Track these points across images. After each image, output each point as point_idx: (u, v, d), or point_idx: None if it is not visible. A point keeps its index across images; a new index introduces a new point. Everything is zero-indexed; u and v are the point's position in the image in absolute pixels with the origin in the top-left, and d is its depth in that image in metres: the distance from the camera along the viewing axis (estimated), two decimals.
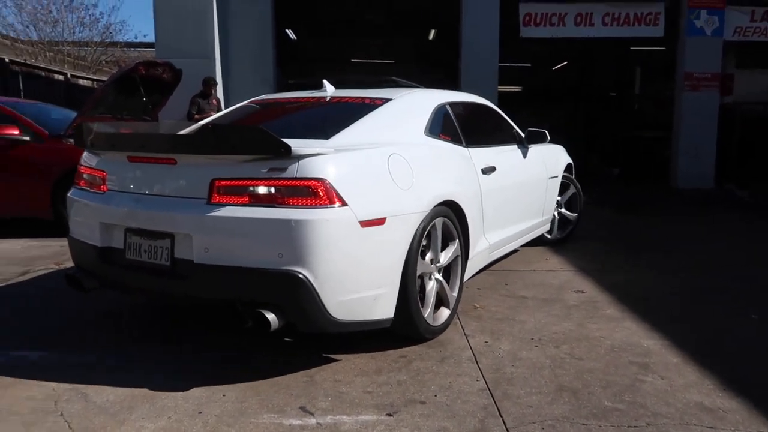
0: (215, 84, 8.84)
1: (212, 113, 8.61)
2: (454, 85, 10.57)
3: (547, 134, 4.75)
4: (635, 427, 2.24)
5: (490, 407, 2.39)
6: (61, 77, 13.50)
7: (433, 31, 14.92)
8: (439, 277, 3.17)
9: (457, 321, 3.43)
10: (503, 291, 4.05)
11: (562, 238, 5.54)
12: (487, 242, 3.75)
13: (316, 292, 2.46)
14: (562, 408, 2.38)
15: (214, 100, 8.80)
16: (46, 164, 5.86)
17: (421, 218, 2.87)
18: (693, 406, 2.41)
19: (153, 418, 2.29)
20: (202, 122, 2.91)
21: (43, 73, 12.89)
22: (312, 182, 2.44)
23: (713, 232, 6.50)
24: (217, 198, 2.54)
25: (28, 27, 20.95)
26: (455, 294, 3.30)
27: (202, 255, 2.54)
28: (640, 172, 12.02)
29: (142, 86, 6.96)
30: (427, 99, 3.68)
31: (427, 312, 3.02)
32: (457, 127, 3.73)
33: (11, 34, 20.53)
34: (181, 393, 2.49)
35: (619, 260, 5.02)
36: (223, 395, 2.47)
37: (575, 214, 5.62)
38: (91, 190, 3.04)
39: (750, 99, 11.13)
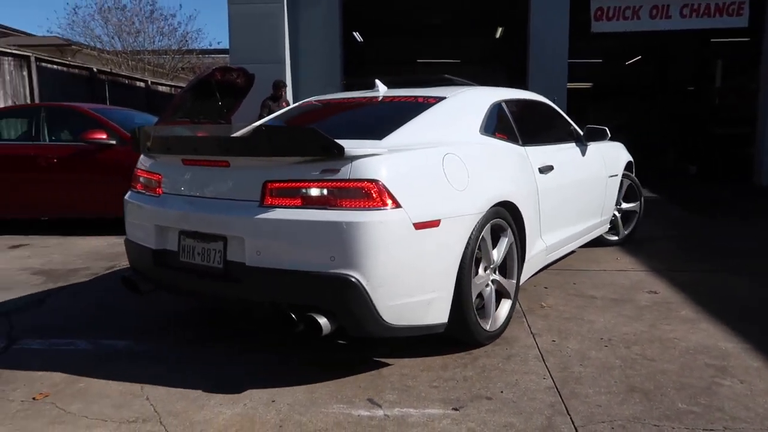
0: (285, 86, 9.11)
1: None
2: (521, 84, 10.43)
3: (608, 131, 4.55)
4: (711, 430, 2.16)
5: (557, 405, 2.37)
6: (142, 84, 14.29)
7: (500, 29, 14.73)
8: (497, 277, 3.11)
9: (524, 320, 3.40)
10: (571, 290, 3.98)
11: (619, 242, 5.33)
12: (544, 244, 3.65)
13: (369, 296, 2.41)
14: (632, 408, 2.33)
15: (284, 103, 9.07)
16: (131, 167, 6.22)
17: (477, 220, 2.80)
18: None
19: (229, 404, 2.42)
20: (256, 124, 2.89)
21: (126, 81, 13.69)
22: (365, 183, 2.41)
23: None
24: (269, 200, 2.52)
25: (113, 38, 22.33)
26: (511, 297, 3.21)
27: (254, 258, 2.53)
28: (720, 170, 11.42)
29: (217, 91, 7.28)
30: (482, 97, 3.59)
31: (489, 318, 2.99)
32: (513, 125, 3.64)
33: (98, 46, 21.93)
34: (254, 384, 2.61)
35: (695, 261, 4.82)
36: (294, 387, 2.57)
37: (633, 221, 5.41)
38: (147, 193, 3.08)
39: None
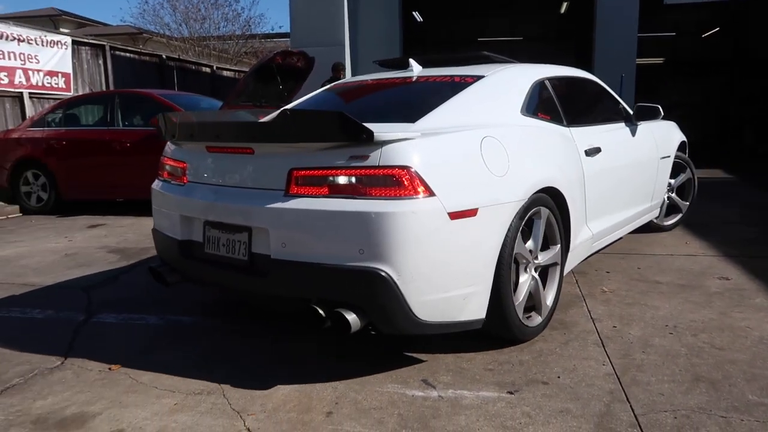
0: (344, 68, 9.16)
1: None
2: (587, 61, 10.07)
3: (660, 109, 4.22)
4: None
5: (616, 392, 2.31)
6: (207, 69, 14.71)
7: (565, 5, 14.22)
8: (535, 274, 2.86)
9: (584, 304, 3.33)
10: (635, 275, 3.85)
11: (669, 227, 5.09)
12: (590, 231, 3.44)
13: (400, 292, 2.25)
14: (698, 398, 2.25)
15: None
16: None
17: (518, 208, 2.59)
18: None
19: (288, 380, 2.50)
20: (282, 108, 2.67)
21: (193, 67, 14.13)
22: (396, 170, 2.23)
23: None
24: (295, 189, 2.38)
25: (180, 25, 23.06)
26: (554, 289, 2.99)
27: (279, 250, 2.39)
28: None
29: (278, 75, 7.40)
30: (523, 75, 3.35)
31: (531, 314, 2.83)
32: (557, 104, 3.42)
33: (167, 33, 22.70)
34: (312, 362, 2.69)
35: None
36: (350, 366, 2.63)
37: (686, 203, 5.13)
38: (173, 182, 2.97)
39: None
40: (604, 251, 4.35)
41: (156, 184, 3.13)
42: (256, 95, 7.45)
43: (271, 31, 25.67)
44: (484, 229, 2.46)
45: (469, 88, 3.03)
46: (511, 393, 2.33)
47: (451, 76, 3.23)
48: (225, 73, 15.44)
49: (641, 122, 4.25)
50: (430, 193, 2.27)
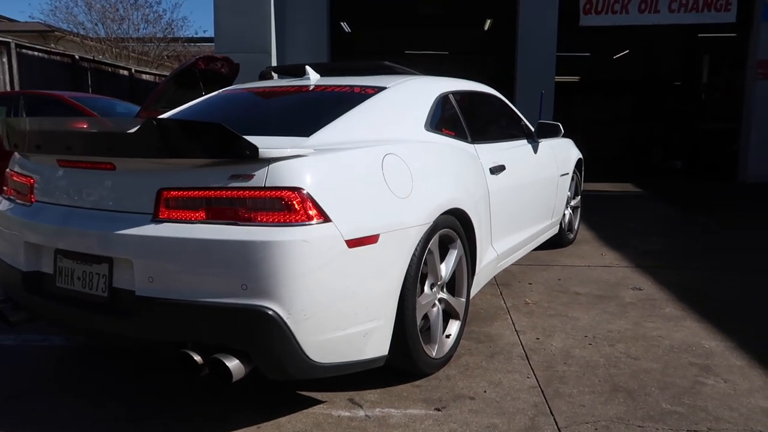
0: (272, 77, 8.99)
1: None
2: (510, 76, 10.41)
3: (561, 127, 4.22)
4: (695, 431, 2.15)
5: (541, 405, 2.34)
6: (125, 72, 14.07)
7: (489, 21, 14.67)
8: (445, 295, 2.73)
9: (508, 317, 3.38)
10: (556, 286, 3.96)
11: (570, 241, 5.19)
12: (495, 252, 3.33)
13: (291, 332, 1.96)
14: (616, 409, 2.31)
15: None
16: None
17: (423, 232, 2.39)
18: (758, 411, 2.29)
19: (204, 406, 2.36)
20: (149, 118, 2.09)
21: (110, 69, 13.47)
22: (285, 193, 1.95)
23: None
24: (165, 213, 2.03)
25: (96, 25, 21.97)
26: (461, 315, 2.84)
27: (145, 286, 2.02)
28: (705, 166, 11.50)
29: (201, 80, 7.16)
30: (427, 88, 3.16)
31: (436, 344, 2.61)
32: (461, 120, 3.26)
33: (81, 32, 21.56)
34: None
35: (679, 257, 4.82)
36: (272, 388, 2.52)
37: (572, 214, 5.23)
38: (18, 201, 2.50)
39: None
40: (526, 263, 4.45)
41: None
42: (177, 101, 7.17)
43: (194, 35, 24.98)
44: (387, 256, 2.23)
45: (369, 100, 2.78)
46: (438, 410, 2.31)
47: (351, 87, 2.97)
48: (144, 76, 14.84)
49: (542, 139, 4.22)
50: (325, 218, 2.00)
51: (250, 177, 1.95)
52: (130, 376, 2.62)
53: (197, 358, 1.99)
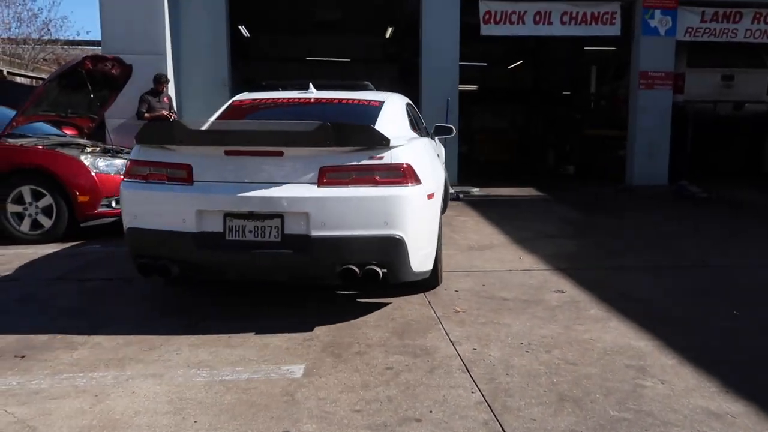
0: (167, 81, 8.40)
1: (163, 111, 8.17)
2: (415, 84, 10.46)
3: (454, 129, 5.70)
4: None
5: (491, 422, 2.21)
6: None
7: (390, 29, 14.75)
8: None
9: (441, 327, 3.25)
10: (482, 293, 3.90)
11: None
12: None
13: (407, 250, 3.15)
14: (567, 420, 2.23)
15: (165, 98, 8.36)
16: None
17: (441, 194, 3.82)
18: (700, 411, 2.30)
19: None
20: (314, 122, 3.13)
21: None
22: (402, 166, 3.14)
23: (677, 229, 6.55)
24: (326, 181, 3.09)
25: None
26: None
27: (319, 229, 3.04)
28: (595, 171, 12.17)
29: (89, 82, 6.51)
30: (402, 100, 4.47)
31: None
32: (418, 122, 4.74)
33: None
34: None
35: (590, 258, 4.96)
36: (195, 422, 2.21)
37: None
38: (173, 183, 3.23)
39: (699, 98, 11.41)
40: (447, 269, 4.37)
41: (138, 186, 3.32)
42: (61, 104, 6.48)
43: (76, 37, 23.21)
44: (436, 207, 3.60)
45: (382, 109, 4.01)
46: None
47: (360, 100, 4.24)
48: (19, 79, 13.49)
49: (437, 137, 5.65)
50: (419, 181, 3.21)
51: (381, 157, 3.12)
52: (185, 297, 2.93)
53: (357, 270, 3.09)
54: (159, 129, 3.43)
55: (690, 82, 11.61)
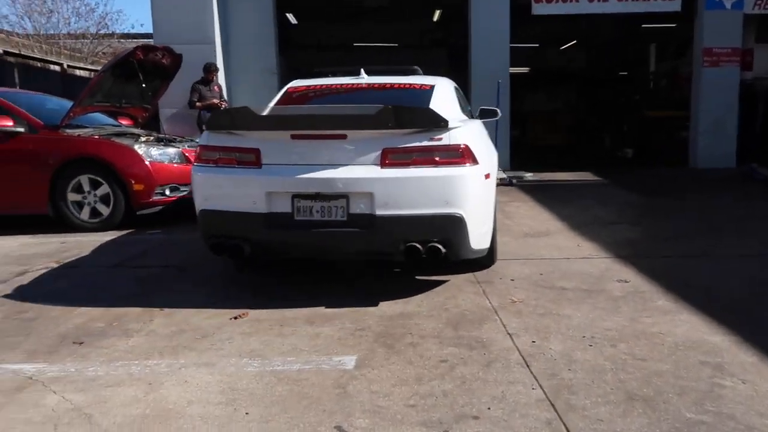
0: (217, 70, 8.48)
1: (214, 100, 8.26)
2: (464, 68, 10.22)
3: (498, 111, 5.27)
4: None
5: (554, 422, 2.07)
6: (57, 68, 13.16)
7: (437, 13, 14.45)
8: None
9: (497, 317, 3.11)
10: (540, 282, 3.73)
11: None
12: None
13: (467, 228, 3.22)
14: (638, 421, 2.06)
15: (216, 87, 8.45)
16: (42, 156, 5.53)
17: (495, 174, 3.81)
18: None
19: None
20: (376, 105, 3.18)
21: (39, 64, 12.54)
22: (460, 147, 3.20)
23: (748, 213, 6.14)
24: (389, 162, 3.17)
25: (22, 18, 20.61)
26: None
27: (383, 208, 3.14)
28: (656, 153, 11.63)
29: (140, 72, 6.60)
30: (450, 83, 4.48)
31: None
32: (464, 105, 4.64)
33: (5, 27, 20.15)
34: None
35: (654, 245, 4.69)
36: (246, 413, 2.17)
37: None
38: (243, 167, 3.35)
39: None
40: (503, 258, 4.21)
41: (207, 170, 3.45)
42: (115, 95, 6.61)
43: (131, 30, 23.77)
44: (492, 186, 3.64)
45: (433, 93, 4.03)
46: None
47: (411, 84, 4.28)
48: (78, 72, 13.94)
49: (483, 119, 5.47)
50: (477, 162, 3.27)
51: (440, 139, 3.19)
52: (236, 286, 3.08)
53: (420, 247, 3.18)
54: (228, 115, 3.56)
55: (759, 58, 10.93)
